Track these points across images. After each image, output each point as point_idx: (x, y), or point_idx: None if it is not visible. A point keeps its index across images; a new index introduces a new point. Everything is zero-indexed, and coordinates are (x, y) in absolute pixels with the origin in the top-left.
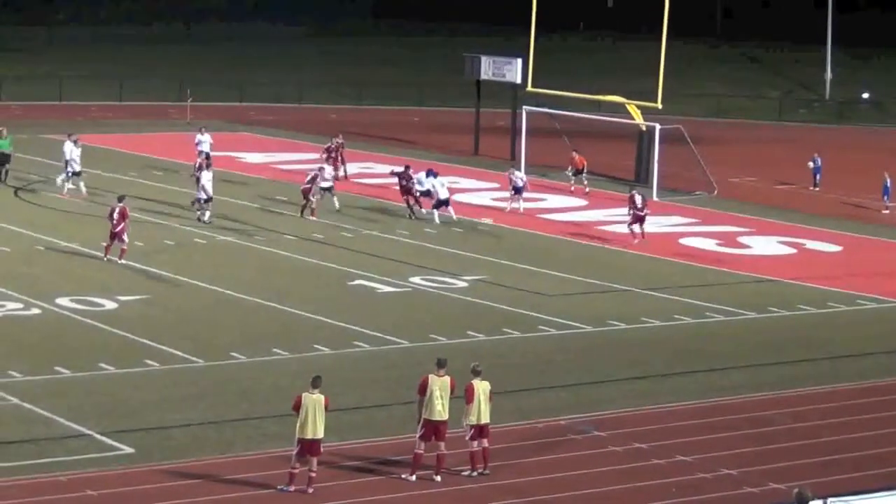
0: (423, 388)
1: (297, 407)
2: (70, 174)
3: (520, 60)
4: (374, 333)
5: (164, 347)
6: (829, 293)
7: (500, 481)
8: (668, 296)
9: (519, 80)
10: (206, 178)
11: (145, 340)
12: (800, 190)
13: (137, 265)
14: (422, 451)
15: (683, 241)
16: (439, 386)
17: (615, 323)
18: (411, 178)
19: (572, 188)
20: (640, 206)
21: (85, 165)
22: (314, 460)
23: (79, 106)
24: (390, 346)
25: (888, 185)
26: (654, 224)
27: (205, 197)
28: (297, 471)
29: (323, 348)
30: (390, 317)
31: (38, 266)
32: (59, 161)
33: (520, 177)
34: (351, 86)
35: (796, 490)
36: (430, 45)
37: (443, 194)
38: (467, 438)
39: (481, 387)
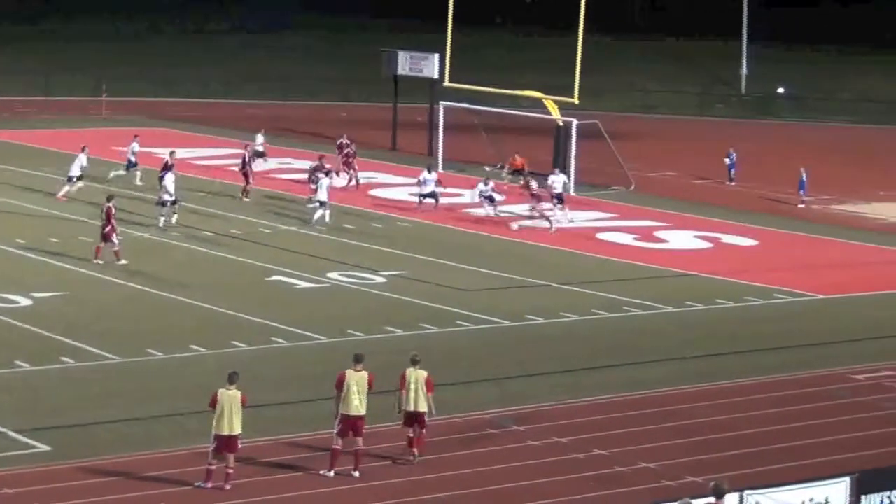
0: (340, 384)
1: (214, 403)
2: (73, 178)
3: (437, 56)
4: (293, 329)
5: (80, 344)
6: (746, 287)
7: (418, 476)
8: (586, 290)
9: (436, 76)
10: (170, 179)
11: (61, 337)
12: (716, 185)
13: (53, 262)
14: (339, 447)
15: (601, 235)
16: (356, 381)
17: (533, 318)
18: (322, 169)
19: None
20: (536, 189)
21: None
22: (231, 457)
23: (3, 101)
24: (308, 341)
25: (804, 179)
26: (572, 219)
27: (170, 199)
28: (213, 467)
29: (241, 344)
30: (308, 312)
31: None
32: None
33: (558, 181)
34: (271, 81)
35: (713, 483)
36: (349, 41)
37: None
38: (402, 425)
39: (415, 375)
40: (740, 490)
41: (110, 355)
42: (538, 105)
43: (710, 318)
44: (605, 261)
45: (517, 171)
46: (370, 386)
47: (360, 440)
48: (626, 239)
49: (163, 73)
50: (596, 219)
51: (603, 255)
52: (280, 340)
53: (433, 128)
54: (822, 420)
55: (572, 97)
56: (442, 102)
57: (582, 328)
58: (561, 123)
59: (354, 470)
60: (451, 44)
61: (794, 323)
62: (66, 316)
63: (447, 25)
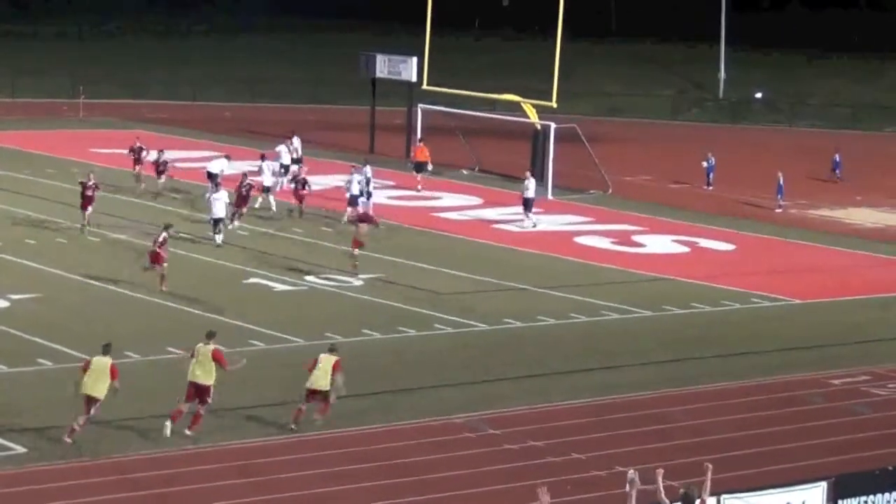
0: (193, 353)
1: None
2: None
3: (415, 59)
4: (270, 332)
5: (56, 346)
6: (723, 291)
7: (397, 479)
8: (564, 294)
9: (414, 79)
10: (223, 196)
11: (38, 339)
12: (693, 189)
13: (29, 263)
14: (184, 409)
15: (578, 239)
16: (202, 353)
17: (511, 321)
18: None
19: (419, 188)
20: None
21: None
22: (202, 407)
23: None
24: (286, 344)
25: (781, 184)
26: (549, 223)
27: (221, 216)
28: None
29: (218, 346)
30: (286, 315)
31: None
32: None
33: (530, 187)
34: (246, 83)
35: (682, 491)
36: (325, 43)
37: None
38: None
39: (326, 359)
40: (718, 494)
41: (87, 357)
42: (516, 108)
43: (686, 322)
44: (583, 264)
45: (420, 166)
46: (216, 360)
47: (202, 407)
48: (604, 243)
49: (133, 75)
50: (573, 222)
51: (580, 258)
52: (258, 343)
53: (411, 131)
54: (799, 424)
55: (550, 101)
56: (420, 105)
57: (559, 332)
58: (539, 127)
59: (189, 429)
60: (430, 47)
61: (771, 327)
62: (43, 317)
63: (426, 28)
